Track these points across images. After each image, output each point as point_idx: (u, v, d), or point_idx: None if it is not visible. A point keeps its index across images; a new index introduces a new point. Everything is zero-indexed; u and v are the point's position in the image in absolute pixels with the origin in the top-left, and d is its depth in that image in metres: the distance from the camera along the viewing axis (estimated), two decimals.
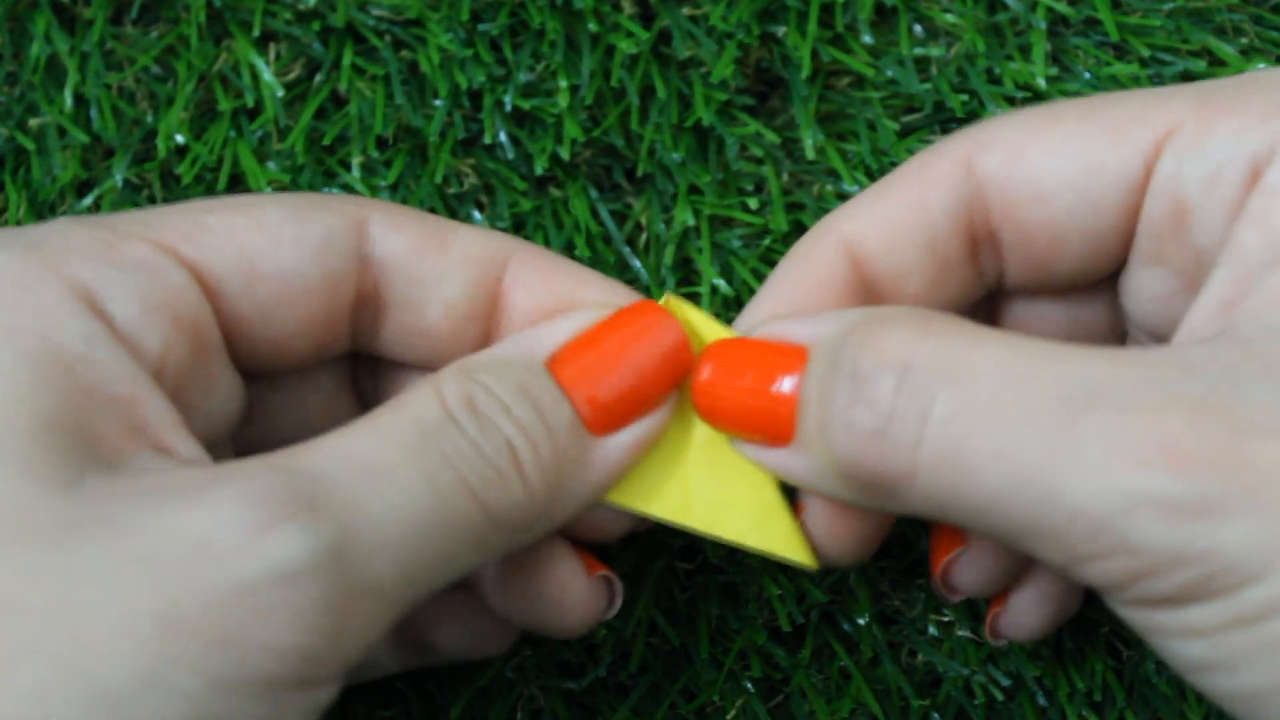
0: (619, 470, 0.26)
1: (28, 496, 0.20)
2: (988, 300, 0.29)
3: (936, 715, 0.33)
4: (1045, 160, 0.25)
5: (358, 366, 0.30)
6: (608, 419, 0.26)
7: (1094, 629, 0.33)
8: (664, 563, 0.34)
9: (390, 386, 0.29)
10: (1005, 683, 0.33)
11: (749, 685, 0.33)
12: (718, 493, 0.27)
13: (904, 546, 0.34)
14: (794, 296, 0.27)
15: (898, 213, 0.27)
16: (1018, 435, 0.21)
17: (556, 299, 0.27)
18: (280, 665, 0.20)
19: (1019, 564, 0.29)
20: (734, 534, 0.27)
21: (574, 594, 0.28)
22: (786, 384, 0.24)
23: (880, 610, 0.34)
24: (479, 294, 0.27)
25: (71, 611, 0.19)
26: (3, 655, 0.19)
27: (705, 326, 0.27)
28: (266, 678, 0.20)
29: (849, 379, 0.23)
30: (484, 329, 0.28)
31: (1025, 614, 0.29)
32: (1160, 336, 0.27)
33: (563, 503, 0.25)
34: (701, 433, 0.27)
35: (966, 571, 0.28)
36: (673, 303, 0.27)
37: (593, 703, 0.33)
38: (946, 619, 0.34)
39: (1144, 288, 0.26)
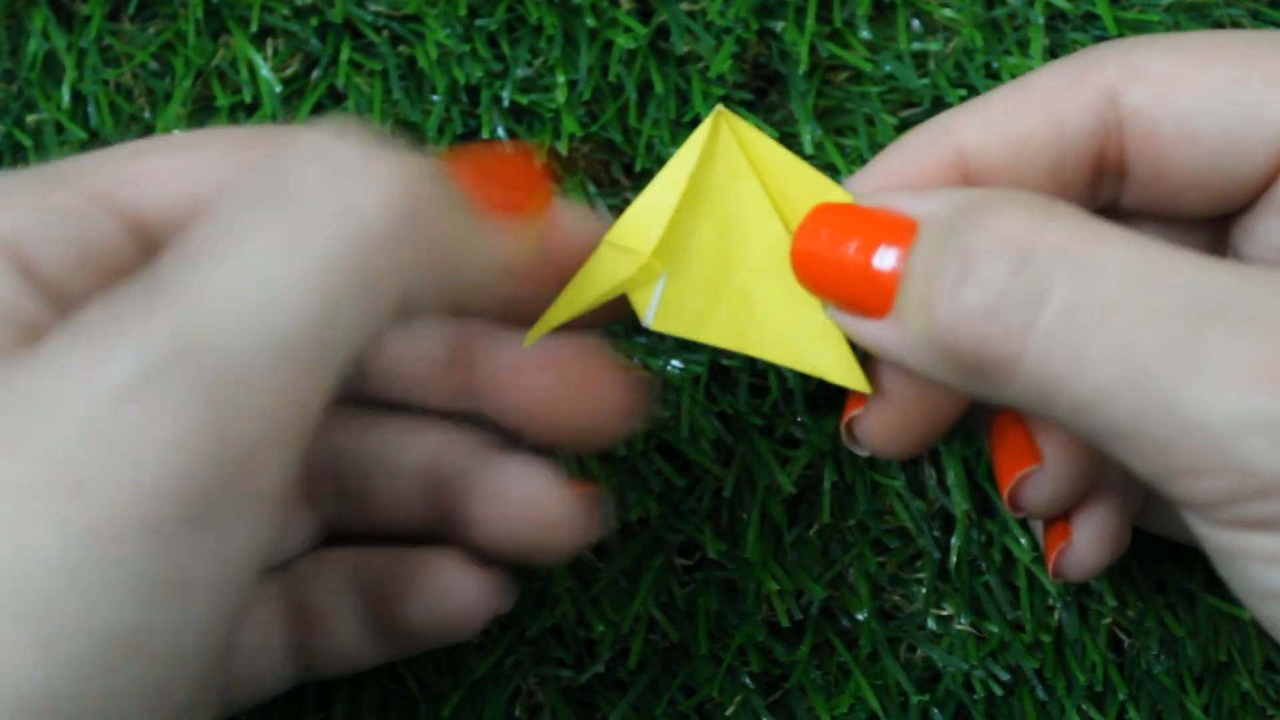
0: (499, 260, 0.23)
1: None
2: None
3: (936, 710, 0.33)
4: (1199, 104, 0.24)
5: None
6: (485, 205, 0.23)
7: (1096, 620, 0.33)
8: (662, 559, 0.33)
9: None
10: (1005, 677, 0.33)
11: (748, 681, 0.33)
12: (771, 317, 0.26)
13: (904, 541, 0.34)
14: (890, 187, 0.26)
15: (1029, 132, 0.25)
16: (1138, 335, 0.20)
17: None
18: (156, 502, 0.18)
19: (1087, 486, 0.28)
20: (788, 358, 0.26)
21: (558, 511, 0.27)
22: (891, 255, 0.23)
23: (879, 605, 0.34)
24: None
25: None
26: None
27: (759, 145, 0.26)
28: (144, 519, 0.18)
29: (960, 255, 0.22)
30: None
31: (1088, 551, 0.28)
32: None
33: (450, 248, 0.22)
34: (753, 258, 0.26)
35: (1038, 491, 0.27)
36: (724, 116, 0.26)
37: (591, 698, 0.33)
38: (946, 614, 0.34)
39: (1269, 234, 0.26)
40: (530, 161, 0.25)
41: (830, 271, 0.24)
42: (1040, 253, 0.21)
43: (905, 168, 0.26)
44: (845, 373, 0.26)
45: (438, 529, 0.28)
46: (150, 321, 0.19)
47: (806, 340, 0.26)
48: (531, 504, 0.27)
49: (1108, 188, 0.27)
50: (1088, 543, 0.28)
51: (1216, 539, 0.21)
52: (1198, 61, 0.25)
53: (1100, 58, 0.25)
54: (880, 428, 0.27)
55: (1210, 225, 0.27)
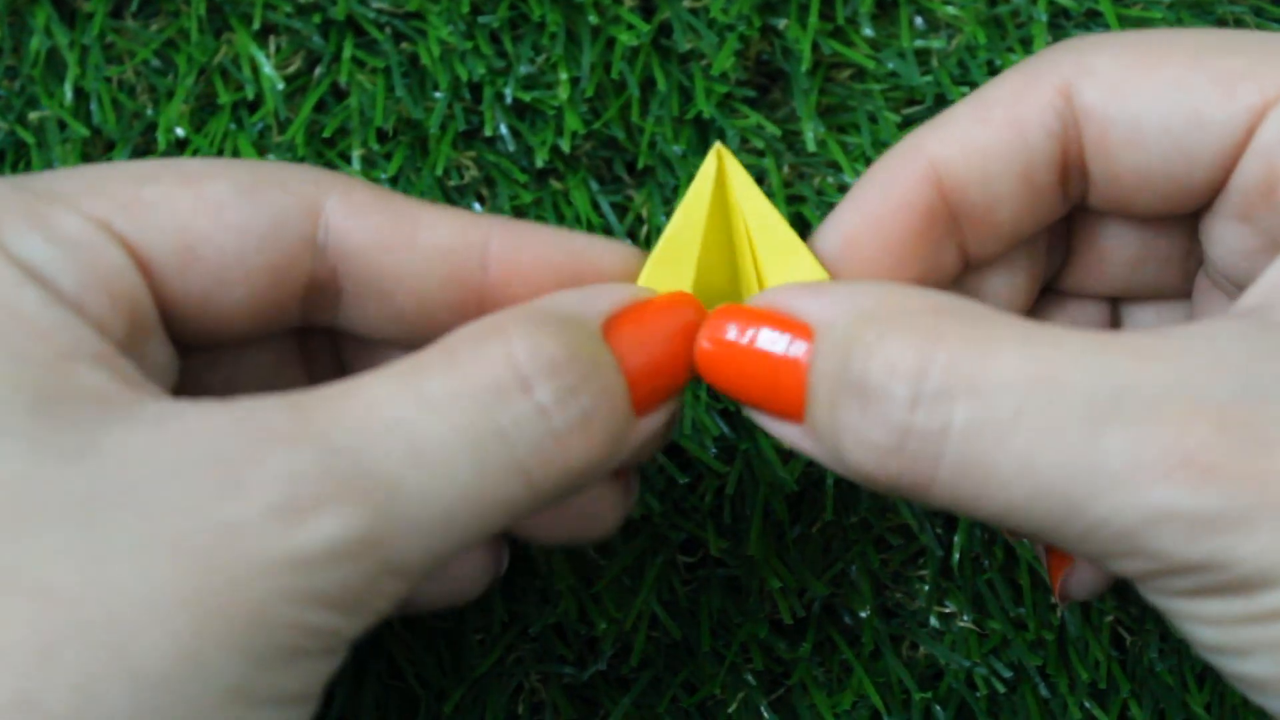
0: (639, 452, 0.25)
1: (34, 470, 0.19)
2: (1065, 216, 0.28)
3: (938, 708, 0.33)
4: (1147, 103, 0.24)
5: (307, 333, 0.28)
6: (647, 399, 0.25)
7: (1098, 618, 0.33)
8: (665, 556, 0.33)
9: (350, 351, 0.28)
10: (1007, 674, 0.33)
11: (750, 678, 0.33)
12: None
13: (906, 538, 0.34)
14: (872, 218, 0.26)
15: (994, 140, 0.26)
16: (1041, 449, 0.21)
17: (561, 271, 0.26)
18: (309, 640, 0.20)
19: None
20: None
21: (609, 504, 0.27)
22: (794, 365, 0.24)
23: (881, 603, 0.34)
24: (454, 284, 0.26)
25: (106, 595, 0.19)
26: (45, 644, 0.18)
27: (743, 190, 0.26)
28: (296, 651, 0.20)
29: (859, 393, 0.22)
30: (463, 310, 0.26)
31: (1092, 573, 0.29)
32: (1232, 281, 0.27)
33: (599, 476, 0.24)
34: (743, 284, 0.27)
35: (1079, 584, 0.29)
36: (722, 153, 0.26)
37: (594, 695, 0.33)
38: (948, 611, 0.34)
39: (1225, 239, 0.26)
40: (696, 315, 0.26)
41: (737, 376, 0.25)
42: (935, 377, 0.21)
43: (883, 196, 0.26)
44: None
45: None
46: (352, 500, 0.20)
47: None
48: (578, 508, 0.27)
49: (1075, 186, 0.27)
50: (1090, 568, 0.29)
51: (1153, 600, 0.22)
52: (1147, 61, 0.25)
53: (1054, 58, 0.26)
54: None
55: (1184, 224, 0.27)
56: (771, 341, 0.24)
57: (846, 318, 0.23)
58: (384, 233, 0.25)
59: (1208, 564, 0.20)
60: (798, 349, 0.24)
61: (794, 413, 0.24)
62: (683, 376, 0.25)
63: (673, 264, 0.26)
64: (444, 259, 0.26)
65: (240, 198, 0.24)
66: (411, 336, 0.26)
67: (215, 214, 0.24)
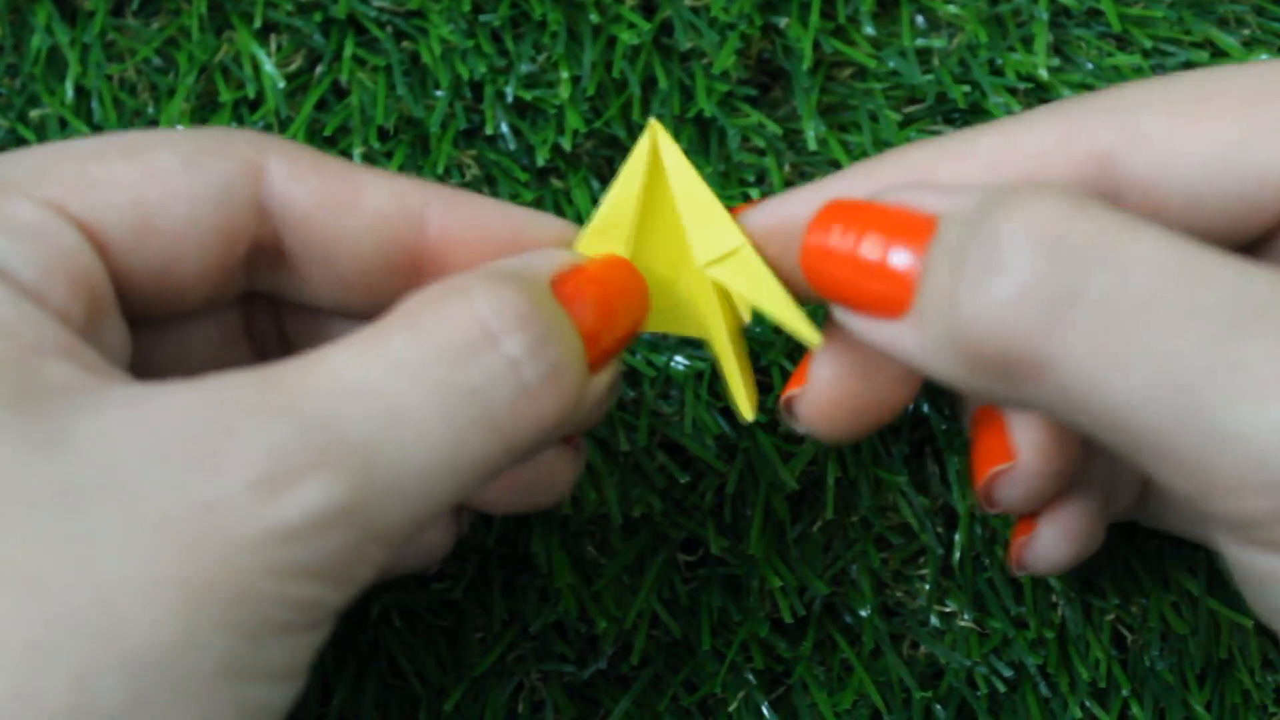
0: (593, 409, 0.25)
1: (17, 466, 0.20)
2: None
3: (939, 707, 0.33)
4: (1205, 170, 0.23)
5: (251, 301, 0.28)
6: (598, 356, 0.24)
7: (1099, 617, 0.33)
8: (666, 555, 0.33)
9: (292, 321, 0.28)
10: (1007, 674, 0.33)
11: (751, 677, 0.33)
12: (688, 300, 0.27)
13: (907, 537, 0.34)
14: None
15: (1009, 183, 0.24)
16: (1179, 335, 0.19)
17: (500, 239, 0.26)
18: (295, 613, 0.20)
19: (1061, 486, 0.28)
20: (698, 331, 0.27)
21: (560, 471, 0.28)
22: (908, 253, 0.22)
23: (882, 602, 0.34)
24: (397, 248, 0.26)
25: (94, 582, 0.19)
26: (37, 636, 0.18)
27: (677, 170, 0.26)
28: (283, 625, 0.20)
29: (987, 244, 0.21)
30: (404, 275, 0.26)
31: (1051, 547, 0.28)
32: None
33: (564, 431, 0.24)
34: (673, 253, 0.27)
35: (1011, 488, 0.27)
36: (657, 129, 0.26)
37: (594, 694, 0.33)
38: (949, 610, 0.34)
39: None
40: (635, 278, 0.26)
41: (842, 271, 0.23)
42: (1073, 242, 0.20)
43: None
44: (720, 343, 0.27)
45: None
46: (330, 470, 0.20)
47: (707, 315, 0.27)
48: (529, 477, 0.27)
49: None
50: (1052, 538, 0.28)
51: (1248, 560, 0.21)
52: (1198, 120, 0.23)
53: (1092, 118, 0.24)
54: (818, 409, 0.27)
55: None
56: (884, 232, 0.23)
57: (976, 200, 0.22)
58: (326, 195, 0.25)
59: None
60: (911, 251, 0.22)
61: (898, 306, 0.23)
62: (624, 335, 0.25)
63: (608, 235, 0.26)
64: (384, 222, 0.26)
65: (187, 166, 0.24)
66: (351, 303, 0.26)
67: (165, 185, 0.24)
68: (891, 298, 0.23)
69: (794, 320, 0.25)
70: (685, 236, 0.26)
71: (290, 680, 0.21)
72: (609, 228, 0.26)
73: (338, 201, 0.25)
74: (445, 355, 0.22)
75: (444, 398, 0.22)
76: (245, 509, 0.20)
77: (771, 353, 0.34)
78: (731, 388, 0.27)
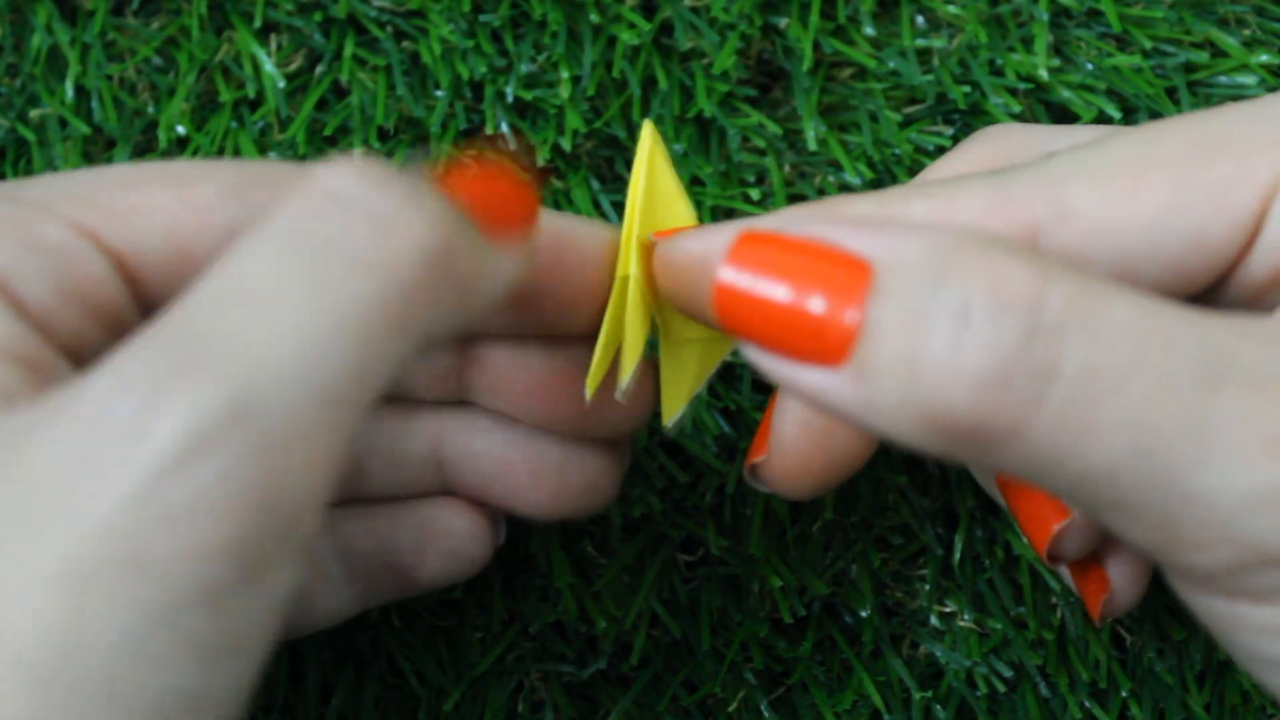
0: (509, 283, 0.23)
1: None
2: None
3: (939, 707, 0.33)
4: (1135, 241, 0.23)
5: None
6: (489, 226, 0.22)
7: None
8: (666, 554, 0.33)
9: None
10: (1007, 674, 0.33)
11: (750, 677, 0.33)
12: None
13: (906, 538, 0.34)
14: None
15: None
16: (1154, 404, 0.19)
17: (543, 251, 0.25)
18: (212, 567, 0.18)
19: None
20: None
21: (605, 476, 0.28)
22: (843, 302, 0.21)
23: (882, 602, 0.34)
24: None
25: None
26: None
27: (663, 178, 0.26)
28: (201, 587, 0.17)
29: (960, 315, 0.20)
30: None
31: (1126, 590, 0.28)
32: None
33: (474, 283, 0.22)
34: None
35: (1073, 542, 0.27)
36: (650, 132, 0.26)
37: (594, 694, 0.33)
38: (948, 610, 0.34)
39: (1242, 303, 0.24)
40: (517, 167, 0.24)
41: (762, 314, 0.22)
42: (1048, 311, 0.20)
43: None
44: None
45: (431, 492, 0.29)
46: (196, 379, 0.18)
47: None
48: (546, 472, 0.27)
49: None
50: (1125, 585, 0.28)
51: (1212, 608, 0.21)
52: (1125, 190, 0.23)
53: (1026, 188, 0.23)
54: (783, 472, 0.26)
55: None
56: (814, 276, 0.21)
57: (925, 251, 0.21)
58: None
59: None
60: (848, 289, 0.21)
61: (830, 354, 0.21)
62: (516, 208, 0.23)
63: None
64: None
65: (226, 199, 0.24)
66: None
67: (203, 216, 0.24)
68: (821, 346, 0.21)
69: (623, 367, 0.25)
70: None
71: (233, 656, 0.18)
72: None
73: None
74: (292, 223, 0.20)
75: (296, 258, 0.20)
76: (112, 459, 0.17)
77: None
78: (594, 371, 0.26)
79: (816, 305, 0.21)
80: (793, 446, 0.26)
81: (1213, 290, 0.24)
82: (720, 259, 0.22)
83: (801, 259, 0.21)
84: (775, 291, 0.21)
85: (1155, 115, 0.35)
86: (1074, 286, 0.20)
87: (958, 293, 0.20)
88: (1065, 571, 0.29)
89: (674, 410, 0.27)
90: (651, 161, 0.26)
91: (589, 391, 0.26)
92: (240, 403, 0.18)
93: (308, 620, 0.29)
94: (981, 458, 0.21)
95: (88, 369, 0.20)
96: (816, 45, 0.36)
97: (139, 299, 0.24)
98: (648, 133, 0.27)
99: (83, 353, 0.22)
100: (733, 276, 0.22)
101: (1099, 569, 0.28)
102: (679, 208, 0.26)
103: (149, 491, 0.17)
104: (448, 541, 0.28)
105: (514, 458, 0.28)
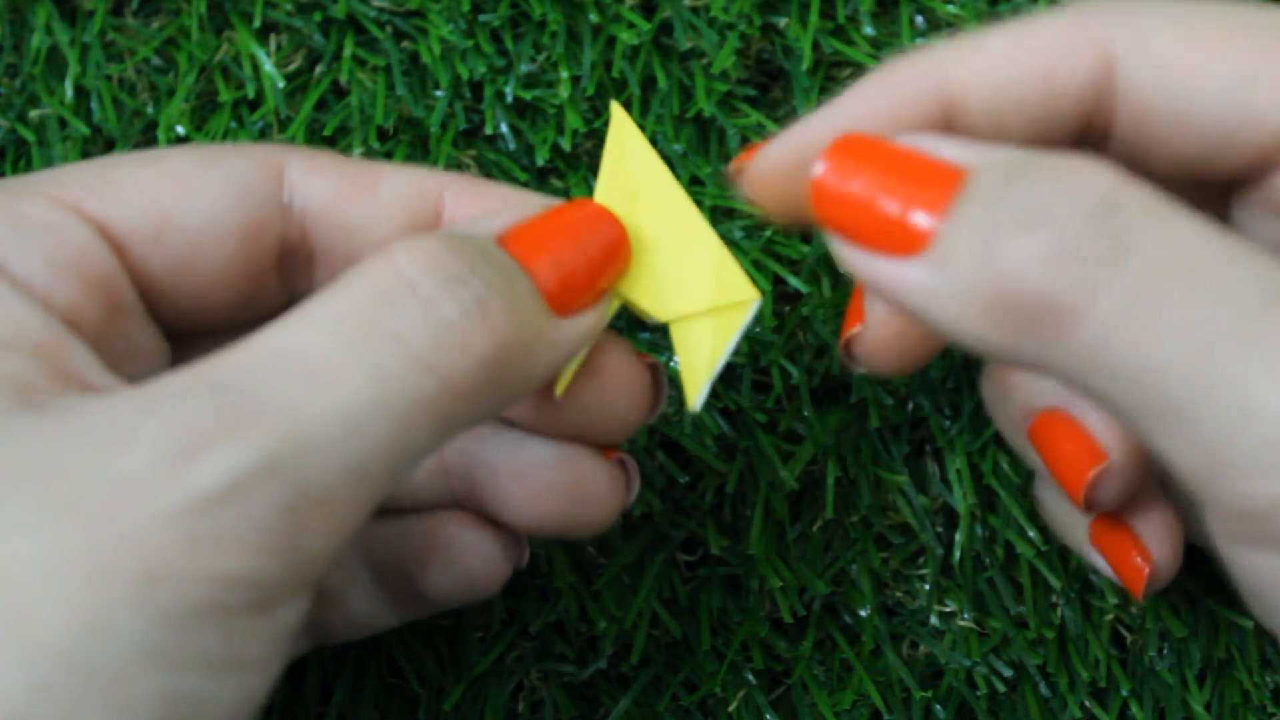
0: (573, 352, 0.25)
1: None
2: None
3: (939, 707, 0.33)
4: (1202, 96, 0.23)
5: None
6: (563, 297, 0.24)
7: (1098, 617, 0.33)
8: (665, 554, 0.33)
9: None
10: (1007, 673, 0.33)
11: (750, 677, 0.33)
12: (663, 270, 0.27)
13: (907, 537, 0.34)
14: (868, 117, 0.24)
15: (1020, 83, 0.24)
16: (1213, 307, 0.19)
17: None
18: (227, 592, 0.19)
19: (1145, 480, 0.28)
20: (669, 307, 0.27)
21: (599, 484, 0.27)
22: (933, 196, 0.21)
23: (882, 602, 0.34)
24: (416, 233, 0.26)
25: (3, 568, 0.18)
26: None
27: (640, 152, 0.26)
28: (214, 606, 0.19)
29: (1035, 196, 0.20)
30: None
31: (1165, 557, 0.28)
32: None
33: (525, 372, 0.23)
34: (655, 226, 0.26)
35: (1110, 486, 0.27)
36: (618, 112, 0.27)
37: (594, 694, 0.33)
38: (948, 610, 0.34)
39: (1256, 229, 0.25)
40: (604, 220, 0.25)
41: (854, 209, 0.22)
42: (1121, 207, 0.20)
43: (888, 106, 0.25)
44: (726, 288, 0.26)
45: (449, 506, 0.29)
46: (244, 431, 0.19)
47: (687, 282, 0.26)
48: (532, 475, 0.27)
49: (1090, 148, 0.25)
50: (1166, 560, 0.28)
51: (1247, 560, 0.20)
52: (1209, 45, 0.23)
53: (1107, 17, 0.24)
54: (878, 344, 0.27)
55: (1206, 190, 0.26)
56: (910, 173, 0.22)
57: (1015, 155, 0.21)
58: (345, 186, 0.26)
59: None
60: (939, 188, 0.22)
61: (913, 243, 0.22)
62: (597, 273, 0.25)
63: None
64: (403, 206, 0.26)
65: (203, 167, 0.25)
66: None
67: (182, 182, 0.24)
68: (906, 236, 0.22)
69: (699, 385, 0.26)
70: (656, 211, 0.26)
71: (240, 670, 0.20)
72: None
73: (358, 190, 0.26)
74: (363, 306, 0.21)
75: (362, 344, 0.21)
76: (154, 482, 0.19)
77: (771, 352, 0.34)
78: (684, 377, 0.27)
79: (907, 202, 0.22)
80: (885, 320, 0.26)
81: (1244, 192, 0.25)
82: (819, 156, 0.23)
83: (898, 161, 0.22)
84: (870, 190, 0.22)
85: None
86: (1149, 195, 0.20)
87: (1039, 187, 0.20)
88: (1099, 558, 0.29)
89: (696, 390, 0.27)
90: (618, 141, 0.26)
91: (558, 388, 0.26)
92: (280, 460, 0.19)
93: (345, 626, 0.29)
94: (1037, 349, 0.21)
95: (88, 341, 0.22)
96: (816, 45, 0.36)
97: (127, 267, 0.24)
98: (617, 116, 0.27)
99: (82, 324, 0.23)
100: (831, 174, 0.23)
101: (1137, 544, 0.28)
102: (658, 185, 0.26)
103: (181, 519, 0.19)
104: (451, 554, 0.28)
105: (499, 459, 0.27)
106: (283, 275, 0.26)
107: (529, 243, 0.24)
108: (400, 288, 0.22)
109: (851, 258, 0.23)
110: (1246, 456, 0.19)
